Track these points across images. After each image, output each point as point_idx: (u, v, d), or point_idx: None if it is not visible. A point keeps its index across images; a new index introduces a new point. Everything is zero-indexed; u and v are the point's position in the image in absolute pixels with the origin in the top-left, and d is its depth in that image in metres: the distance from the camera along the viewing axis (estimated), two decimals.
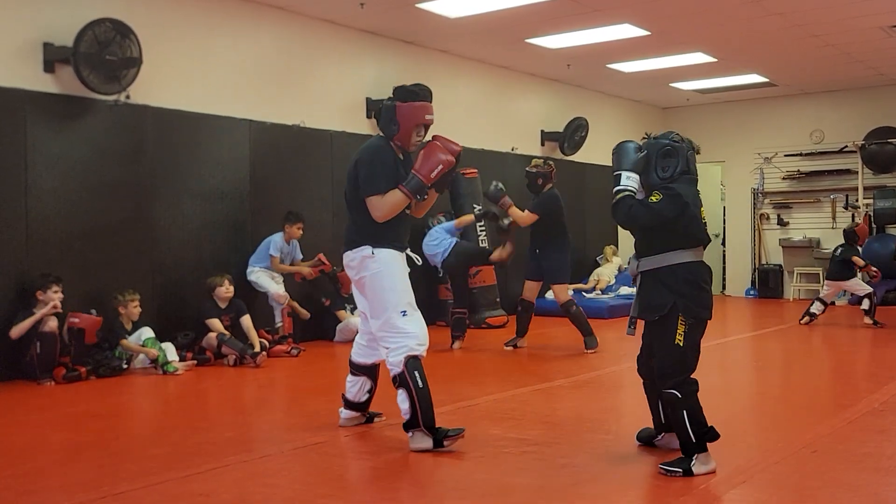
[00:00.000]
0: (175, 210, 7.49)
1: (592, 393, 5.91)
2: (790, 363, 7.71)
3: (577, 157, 12.39)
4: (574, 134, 12.12)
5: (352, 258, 4.31)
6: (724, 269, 14.77)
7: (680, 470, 3.63)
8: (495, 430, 4.57)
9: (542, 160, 8.01)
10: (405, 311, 4.19)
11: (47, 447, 4.50)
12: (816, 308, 9.78)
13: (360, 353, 4.56)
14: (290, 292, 7.98)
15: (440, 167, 4.16)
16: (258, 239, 7.97)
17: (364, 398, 4.62)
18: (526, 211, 7.53)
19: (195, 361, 6.98)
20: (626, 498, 3.51)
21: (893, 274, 12.23)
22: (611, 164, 3.93)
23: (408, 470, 3.93)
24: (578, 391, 5.96)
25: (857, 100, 13.06)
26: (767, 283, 13.77)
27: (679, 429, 3.69)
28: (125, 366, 6.58)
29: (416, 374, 4.12)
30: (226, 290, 7.27)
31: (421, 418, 4.10)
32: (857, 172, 12.88)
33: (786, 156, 13.69)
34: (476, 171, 9.85)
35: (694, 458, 3.65)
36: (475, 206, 9.78)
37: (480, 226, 9.86)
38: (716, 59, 10.93)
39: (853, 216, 12.89)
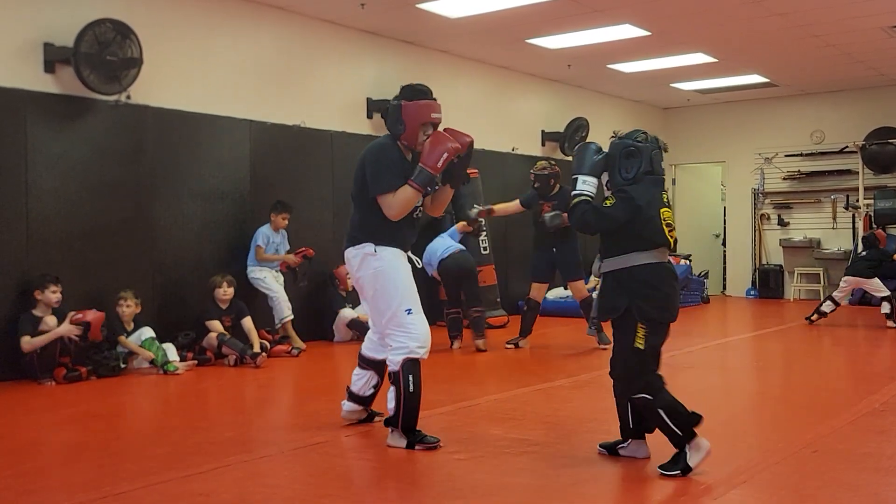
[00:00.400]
0: (175, 210, 7.49)
1: (593, 393, 5.90)
2: (790, 363, 7.71)
3: None
4: (575, 134, 12.12)
5: (354, 255, 4.30)
6: (724, 269, 14.78)
7: (679, 471, 3.61)
8: (495, 430, 4.56)
9: (546, 161, 8.02)
10: (410, 310, 4.19)
11: (47, 447, 4.51)
12: (827, 307, 9.76)
13: (370, 348, 4.57)
14: (289, 292, 7.98)
15: (445, 155, 4.13)
16: None
17: (369, 392, 4.63)
18: (550, 213, 7.37)
19: (195, 361, 6.98)
20: (627, 498, 3.51)
21: (894, 274, 12.23)
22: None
23: (408, 470, 3.92)
24: (579, 391, 5.96)
25: (858, 100, 13.06)
26: (768, 283, 13.78)
27: (662, 427, 3.65)
28: (123, 365, 6.58)
29: (411, 377, 4.13)
30: (223, 292, 7.26)
31: (401, 420, 4.15)
32: (857, 173, 12.87)
33: (786, 156, 13.68)
34: (476, 171, 9.85)
35: (686, 449, 3.62)
36: (475, 205, 9.79)
37: (482, 226, 9.84)
38: (716, 60, 10.93)
39: (854, 216, 12.90)
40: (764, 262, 13.98)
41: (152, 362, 6.63)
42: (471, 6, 8.46)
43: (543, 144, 12.06)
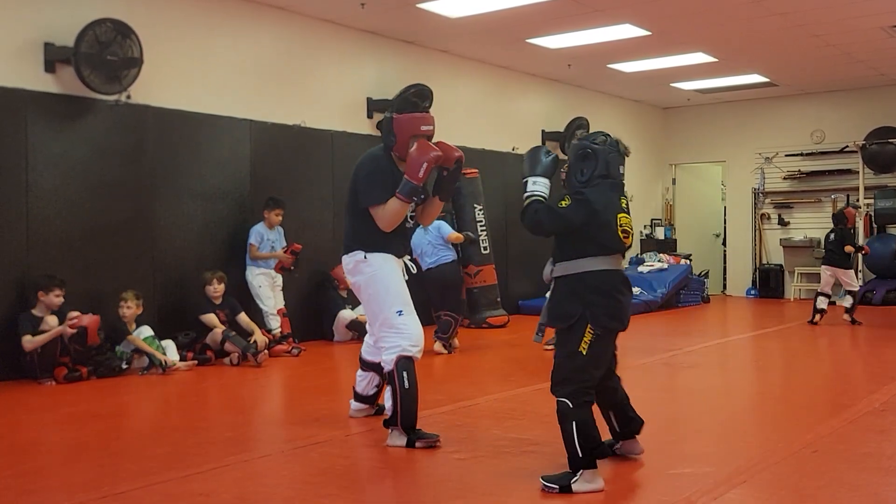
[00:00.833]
0: (175, 210, 7.49)
1: None
2: (790, 363, 7.71)
3: None
4: (575, 134, 12.12)
5: (347, 262, 4.42)
6: (724, 268, 14.78)
7: (557, 486, 3.43)
8: (495, 430, 4.57)
9: None
10: (401, 311, 4.26)
11: (48, 447, 4.51)
12: (821, 303, 9.78)
13: (368, 352, 4.69)
14: (288, 292, 7.98)
15: (426, 165, 4.18)
16: None
17: (372, 392, 4.77)
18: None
19: (196, 361, 6.98)
20: (627, 498, 3.51)
21: (893, 274, 12.24)
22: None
23: (408, 469, 3.93)
24: None
25: (858, 100, 13.06)
26: (768, 282, 13.78)
27: (566, 441, 3.48)
28: (125, 366, 6.58)
29: (405, 374, 4.18)
30: (214, 289, 7.27)
31: (400, 418, 4.18)
32: (857, 172, 12.88)
33: (786, 156, 13.68)
34: (476, 171, 9.85)
35: (579, 473, 3.44)
36: (475, 205, 9.82)
37: (482, 225, 9.86)
38: (716, 59, 10.92)
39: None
40: (764, 261, 13.98)
41: (152, 360, 6.62)
42: (471, 6, 8.46)
43: (543, 144, 12.04)
